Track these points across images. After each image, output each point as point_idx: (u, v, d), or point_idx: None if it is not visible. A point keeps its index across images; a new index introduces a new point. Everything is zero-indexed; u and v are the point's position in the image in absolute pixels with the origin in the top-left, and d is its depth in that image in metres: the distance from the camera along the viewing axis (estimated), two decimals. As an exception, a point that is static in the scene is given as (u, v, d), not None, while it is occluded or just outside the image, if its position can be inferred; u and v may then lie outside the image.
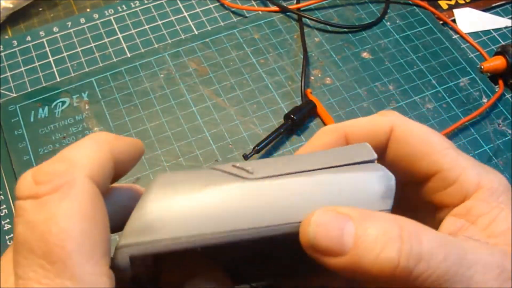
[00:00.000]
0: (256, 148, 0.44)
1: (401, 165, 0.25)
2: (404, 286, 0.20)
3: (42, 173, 0.20)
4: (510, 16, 0.57)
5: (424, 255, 0.19)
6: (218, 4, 0.57)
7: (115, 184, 0.24)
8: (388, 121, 0.26)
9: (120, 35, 0.55)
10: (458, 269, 0.19)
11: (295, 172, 0.22)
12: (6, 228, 0.42)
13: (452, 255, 0.20)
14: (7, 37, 0.55)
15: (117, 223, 0.22)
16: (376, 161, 0.23)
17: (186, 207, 0.21)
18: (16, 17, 0.57)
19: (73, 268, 0.18)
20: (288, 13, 0.56)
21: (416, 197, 0.26)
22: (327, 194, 0.21)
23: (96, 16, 0.56)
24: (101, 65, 0.52)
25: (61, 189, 0.19)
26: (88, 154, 0.21)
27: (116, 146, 0.22)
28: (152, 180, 0.22)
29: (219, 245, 0.20)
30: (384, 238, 0.20)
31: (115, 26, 0.55)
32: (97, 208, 0.20)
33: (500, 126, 0.49)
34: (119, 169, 0.23)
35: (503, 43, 0.54)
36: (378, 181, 0.22)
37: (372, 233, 0.20)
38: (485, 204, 0.23)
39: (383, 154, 0.26)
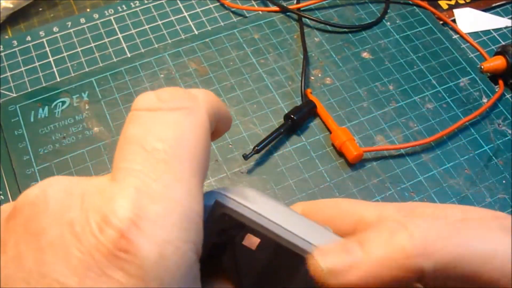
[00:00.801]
0: (256, 148, 0.44)
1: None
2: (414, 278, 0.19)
3: (168, 92, 0.19)
4: (510, 16, 0.57)
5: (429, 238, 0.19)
6: (218, 4, 0.57)
7: None
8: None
9: (120, 35, 0.55)
10: None
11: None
12: (6, 228, 0.42)
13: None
14: (7, 37, 0.55)
15: None
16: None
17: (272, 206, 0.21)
18: (16, 17, 0.57)
19: (183, 173, 0.18)
20: (288, 13, 0.56)
21: None
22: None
23: (96, 16, 0.56)
24: (101, 65, 0.52)
25: (185, 110, 0.19)
26: (208, 96, 0.21)
27: (221, 106, 0.22)
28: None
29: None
30: (387, 229, 0.20)
31: (115, 26, 0.55)
32: (209, 141, 0.20)
33: (500, 126, 0.49)
34: (217, 128, 0.22)
35: (503, 43, 0.54)
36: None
37: (373, 233, 0.20)
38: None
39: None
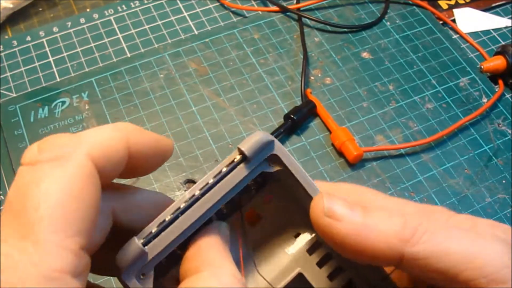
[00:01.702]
0: (256, 148, 0.44)
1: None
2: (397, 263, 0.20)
3: (46, 142, 0.19)
4: (510, 16, 0.57)
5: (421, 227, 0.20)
6: (218, 4, 0.57)
7: (145, 188, 0.24)
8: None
9: (120, 35, 0.55)
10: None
11: None
12: (6, 228, 0.42)
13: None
14: (7, 37, 0.55)
15: (133, 221, 0.22)
16: None
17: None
18: (16, 17, 0.57)
19: (40, 233, 0.17)
20: (288, 13, 0.56)
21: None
22: None
23: (96, 16, 0.56)
24: (101, 65, 0.52)
25: (57, 159, 0.19)
26: (98, 135, 0.20)
27: (135, 137, 0.21)
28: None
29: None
30: (389, 212, 0.21)
31: (115, 26, 0.55)
32: (87, 187, 0.19)
33: (500, 126, 0.49)
34: (138, 164, 0.22)
35: (503, 43, 0.54)
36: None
37: (377, 211, 0.21)
38: None
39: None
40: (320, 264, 0.24)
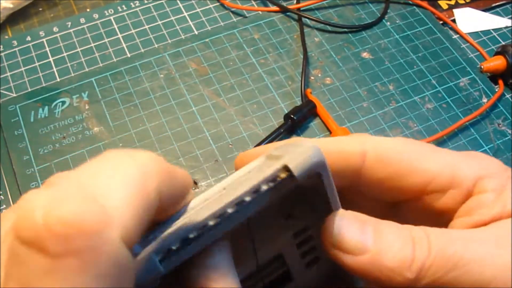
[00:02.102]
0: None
1: (384, 187, 0.23)
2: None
3: (59, 219, 0.13)
4: (510, 16, 0.57)
5: (432, 252, 0.20)
6: (218, 4, 0.57)
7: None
8: (358, 144, 0.23)
9: (120, 35, 0.55)
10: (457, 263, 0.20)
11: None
12: (6, 228, 0.42)
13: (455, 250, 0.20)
14: (7, 37, 0.55)
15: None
16: None
17: None
18: (16, 17, 0.57)
19: None
20: (288, 13, 0.56)
21: (411, 212, 0.25)
22: None
23: (96, 16, 0.56)
24: (101, 65, 0.52)
25: (82, 256, 0.13)
26: (128, 197, 0.15)
27: (166, 183, 0.17)
28: None
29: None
30: (400, 239, 0.21)
31: (115, 26, 0.55)
32: (124, 278, 0.15)
33: (500, 126, 0.49)
34: (158, 212, 0.18)
35: (503, 43, 0.54)
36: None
37: (389, 235, 0.21)
38: (488, 195, 0.22)
39: (356, 178, 0.24)
40: (301, 251, 0.24)
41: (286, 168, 0.19)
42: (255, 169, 0.20)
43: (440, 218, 0.24)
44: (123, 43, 0.54)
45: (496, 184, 0.22)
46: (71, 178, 0.15)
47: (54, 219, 0.13)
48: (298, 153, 0.19)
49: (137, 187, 0.16)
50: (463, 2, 0.58)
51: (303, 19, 0.56)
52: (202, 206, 0.19)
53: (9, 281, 0.14)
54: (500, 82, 0.51)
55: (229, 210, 0.18)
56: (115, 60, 0.53)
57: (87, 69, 0.52)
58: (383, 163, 0.23)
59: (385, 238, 0.21)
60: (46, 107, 0.49)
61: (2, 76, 0.51)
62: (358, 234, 0.21)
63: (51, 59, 0.53)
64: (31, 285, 0.13)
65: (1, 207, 0.43)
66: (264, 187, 0.19)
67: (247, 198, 0.18)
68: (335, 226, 0.21)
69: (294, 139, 0.24)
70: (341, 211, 0.22)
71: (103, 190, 0.15)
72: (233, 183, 0.20)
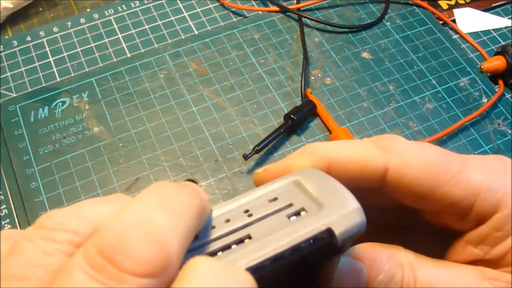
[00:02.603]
0: (256, 148, 0.44)
1: (405, 200, 0.23)
2: None
3: (132, 259, 0.15)
4: (510, 16, 0.57)
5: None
6: (218, 4, 0.57)
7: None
8: (382, 160, 0.23)
9: (120, 35, 0.55)
10: None
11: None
12: (6, 228, 0.42)
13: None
14: (7, 37, 0.55)
15: None
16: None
17: None
18: (16, 17, 0.57)
19: None
20: (288, 13, 0.56)
21: (421, 223, 0.25)
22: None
23: (96, 16, 0.56)
24: (101, 65, 0.52)
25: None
26: (184, 239, 0.17)
27: (205, 214, 0.19)
28: None
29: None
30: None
31: (115, 26, 0.55)
32: None
33: (500, 126, 0.49)
34: None
35: (503, 43, 0.54)
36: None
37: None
38: (501, 231, 0.22)
39: (380, 189, 0.23)
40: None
41: (330, 232, 0.19)
42: (283, 196, 0.20)
43: (441, 234, 0.24)
44: (123, 43, 0.54)
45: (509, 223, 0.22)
46: (135, 213, 0.17)
47: (126, 259, 0.15)
48: (344, 216, 0.19)
49: (190, 230, 0.17)
50: (463, 2, 0.58)
51: (303, 19, 0.56)
52: (227, 239, 0.19)
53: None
54: (500, 82, 0.51)
55: (267, 264, 0.18)
56: (115, 60, 0.53)
57: (87, 69, 0.52)
58: (404, 185, 0.23)
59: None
60: (46, 107, 0.49)
61: (2, 76, 0.51)
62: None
63: (51, 59, 0.53)
64: None
65: (1, 207, 0.43)
66: (304, 245, 0.18)
67: (286, 254, 0.18)
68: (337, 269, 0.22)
69: (312, 147, 0.23)
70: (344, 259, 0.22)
71: (166, 233, 0.16)
72: (259, 209, 0.20)
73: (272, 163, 0.24)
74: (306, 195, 0.20)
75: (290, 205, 0.20)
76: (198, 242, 0.19)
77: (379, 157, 0.23)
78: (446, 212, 0.23)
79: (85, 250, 0.16)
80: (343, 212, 0.19)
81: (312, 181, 0.21)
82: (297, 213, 0.20)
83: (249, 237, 0.19)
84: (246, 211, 0.20)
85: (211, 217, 0.20)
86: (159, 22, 0.56)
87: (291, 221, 0.20)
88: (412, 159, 0.23)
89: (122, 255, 0.15)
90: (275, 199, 0.21)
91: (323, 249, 0.20)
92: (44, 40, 0.54)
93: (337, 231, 0.18)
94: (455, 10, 0.58)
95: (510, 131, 0.48)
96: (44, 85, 0.51)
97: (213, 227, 0.20)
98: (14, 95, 0.50)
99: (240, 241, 0.19)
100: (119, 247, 0.15)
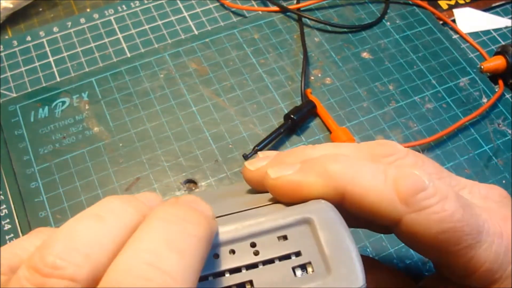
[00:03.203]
0: (256, 148, 0.44)
1: (413, 248, 0.24)
2: None
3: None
4: (510, 16, 0.57)
5: None
6: (218, 4, 0.57)
7: None
8: (398, 213, 0.22)
9: (120, 35, 0.55)
10: None
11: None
12: (6, 228, 0.42)
13: None
14: (7, 37, 0.55)
15: None
16: None
17: None
18: (16, 17, 0.57)
19: None
20: (288, 13, 0.56)
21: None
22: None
23: (96, 16, 0.56)
24: (101, 65, 0.52)
25: None
26: (195, 270, 0.17)
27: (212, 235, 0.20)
28: None
29: None
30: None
31: (115, 26, 0.55)
32: None
33: (500, 126, 0.49)
34: None
35: (503, 43, 0.54)
36: None
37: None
38: None
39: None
40: None
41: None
42: (293, 237, 0.20)
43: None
44: (123, 43, 0.54)
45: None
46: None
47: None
48: (356, 269, 0.19)
49: (200, 266, 0.18)
50: (463, 2, 0.58)
51: (303, 19, 0.56)
52: (230, 280, 0.19)
53: None
54: (500, 82, 0.51)
55: None
56: (115, 60, 0.53)
57: (87, 69, 0.52)
58: (413, 240, 0.22)
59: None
60: (46, 107, 0.49)
61: (2, 76, 0.51)
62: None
63: (51, 59, 0.53)
64: None
65: (1, 207, 0.43)
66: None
67: None
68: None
69: (329, 167, 0.23)
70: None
71: (178, 279, 0.17)
72: (266, 246, 0.20)
73: (281, 167, 0.23)
74: (317, 247, 0.20)
75: (299, 253, 0.20)
76: (203, 272, 0.19)
77: (396, 208, 0.22)
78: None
79: (22, 267, 0.17)
80: (355, 267, 0.19)
81: (326, 229, 0.20)
82: (304, 267, 0.19)
83: (251, 283, 0.19)
84: (253, 245, 0.20)
85: (217, 240, 0.20)
86: (159, 22, 0.56)
87: (296, 278, 0.19)
88: (430, 221, 0.22)
89: (50, 268, 0.16)
90: (285, 237, 0.20)
91: None
92: (44, 40, 0.54)
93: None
94: (455, 10, 0.58)
95: (510, 131, 0.48)
96: (44, 85, 0.51)
97: (217, 256, 0.19)
98: (14, 95, 0.50)
99: (241, 287, 0.19)
100: (48, 260, 0.16)
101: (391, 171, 0.22)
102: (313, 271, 0.19)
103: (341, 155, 0.24)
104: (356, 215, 0.23)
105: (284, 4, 0.57)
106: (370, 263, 0.25)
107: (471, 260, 0.22)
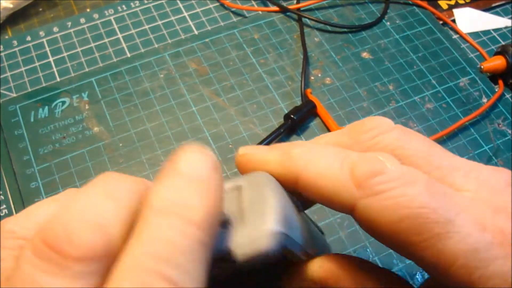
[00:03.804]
0: (256, 148, 0.44)
1: (373, 236, 0.22)
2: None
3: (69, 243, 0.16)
4: (510, 16, 0.57)
5: None
6: (218, 4, 0.57)
7: None
8: (351, 199, 0.21)
9: (120, 35, 0.55)
10: None
11: None
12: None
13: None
14: (7, 37, 0.55)
15: None
16: None
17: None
18: (16, 17, 0.57)
19: None
20: (288, 13, 0.56)
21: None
22: None
23: (96, 16, 0.56)
24: (101, 65, 0.52)
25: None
26: (126, 215, 0.18)
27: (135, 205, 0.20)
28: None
29: None
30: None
31: (115, 26, 0.55)
32: None
33: (500, 126, 0.49)
34: None
35: (503, 43, 0.54)
36: None
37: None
38: None
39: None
40: None
41: (231, 255, 0.19)
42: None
43: None
44: (123, 43, 0.54)
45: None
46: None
47: (67, 245, 0.16)
48: (252, 240, 0.19)
49: (132, 213, 0.18)
50: (463, 2, 0.58)
51: (303, 19, 0.56)
52: None
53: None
54: (500, 82, 0.51)
55: None
56: (115, 60, 0.53)
57: (87, 69, 0.52)
58: (370, 227, 0.21)
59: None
60: (46, 107, 0.49)
61: (2, 76, 0.51)
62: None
63: (51, 59, 0.53)
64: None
65: (1, 207, 0.43)
66: (216, 263, 0.19)
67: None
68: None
69: (291, 151, 0.23)
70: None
71: (107, 218, 0.18)
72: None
73: (254, 147, 0.24)
74: (238, 206, 0.21)
75: (223, 214, 0.20)
76: None
77: (349, 193, 0.21)
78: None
79: (31, 243, 0.17)
80: (254, 234, 0.19)
81: (253, 190, 0.21)
82: (224, 225, 0.20)
83: None
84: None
85: None
86: (159, 22, 0.56)
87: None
88: (386, 206, 0.20)
89: (64, 241, 0.16)
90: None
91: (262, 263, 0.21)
92: (44, 40, 0.54)
93: (239, 255, 0.19)
94: (455, 10, 0.58)
95: (510, 131, 0.48)
96: (44, 85, 0.51)
97: None
98: (14, 95, 0.50)
99: None
100: (61, 234, 0.16)
101: (352, 156, 0.21)
102: (229, 226, 0.20)
103: (309, 142, 0.24)
104: (312, 199, 0.22)
105: (284, 4, 0.57)
106: (369, 267, 0.25)
107: (440, 254, 0.19)
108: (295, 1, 0.58)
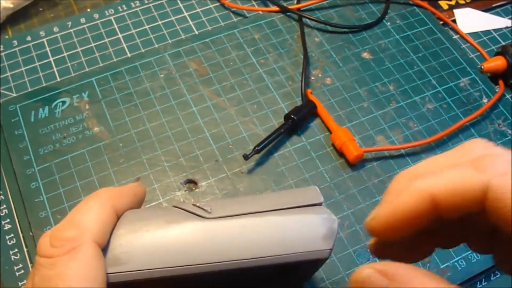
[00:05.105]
0: (256, 148, 0.44)
1: (502, 227, 0.21)
2: None
3: (56, 238, 0.25)
4: (510, 16, 0.57)
5: None
6: (218, 4, 0.57)
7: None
8: (481, 184, 0.21)
9: (120, 35, 0.55)
10: None
11: (248, 213, 0.26)
12: (6, 228, 0.42)
13: None
14: (7, 37, 0.55)
15: None
16: (322, 204, 0.27)
17: (150, 242, 0.25)
18: (16, 17, 0.57)
19: None
20: (288, 13, 0.56)
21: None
22: (275, 234, 0.26)
23: (96, 16, 0.56)
24: (101, 65, 0.52)
25: (70, 253, 0.24)
26: (93, 218, 0.25)
27: (118, 201, 0.27)
28: (122, 216, 0.27)
29: (177, 276, 0.25)
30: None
31: (115, 26, 0.55)
32: (98, 268, 0.24)
33: (500, 126, 0.49)
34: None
35: (504, 43, 0.54)
36: (322, 223, 0.26)
37: None
38: None
39: (480, 212, 0.22)
40: None
41: None
42: None
43: None
44: (123, 43, 0.54)
45: None
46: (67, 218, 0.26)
47: (53, 238, 0.25)
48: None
49: (97, 207, 0.26)
50: (464, 2, 0.58)
51: (303, 19, 0.56)
52: None
53: (35, 276, 0.24)
54: (501, 82, 0.51)
55: None
56: (115, 60, 0.53)
57: (87, 69, 0.52)
58: (502, 211, 0.21)
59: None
60: (46, 107, 0.49)
61: (2, 76, 0.51)
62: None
63: (51, 59, 0.53)
64: (46, 276, 0.24)
65: (1, 207, 0.43)
66: None
67: None
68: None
69: (415, 183, 0.23)
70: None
71: (79, 218, 0.26)
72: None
73: (379, 208, 0.24)
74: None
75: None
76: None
77: (477, 181, 0.21)
78: None
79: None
80: None
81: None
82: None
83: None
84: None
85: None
86: (159, 22, 0.56)
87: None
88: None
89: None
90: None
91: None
92: (44, 40, 0.54)
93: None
94: (455, 10, 0.58)
95: (510, 131, 0.48)
96: (44, 85, 0.51)
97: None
98: (14, 95, 0.50)
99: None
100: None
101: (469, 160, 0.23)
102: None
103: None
104: (452, 215, 0.22)
105: (284, 4, 0.57)
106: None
107: None
108: (295, 1, 0.58)
